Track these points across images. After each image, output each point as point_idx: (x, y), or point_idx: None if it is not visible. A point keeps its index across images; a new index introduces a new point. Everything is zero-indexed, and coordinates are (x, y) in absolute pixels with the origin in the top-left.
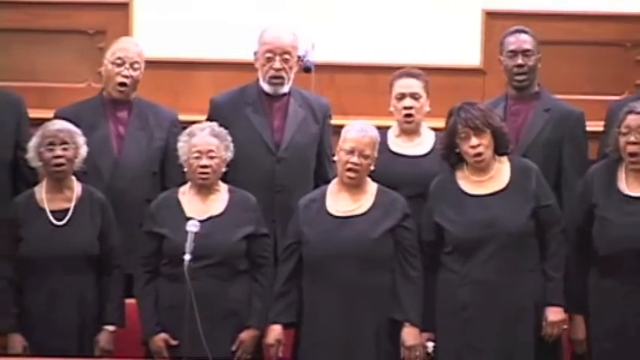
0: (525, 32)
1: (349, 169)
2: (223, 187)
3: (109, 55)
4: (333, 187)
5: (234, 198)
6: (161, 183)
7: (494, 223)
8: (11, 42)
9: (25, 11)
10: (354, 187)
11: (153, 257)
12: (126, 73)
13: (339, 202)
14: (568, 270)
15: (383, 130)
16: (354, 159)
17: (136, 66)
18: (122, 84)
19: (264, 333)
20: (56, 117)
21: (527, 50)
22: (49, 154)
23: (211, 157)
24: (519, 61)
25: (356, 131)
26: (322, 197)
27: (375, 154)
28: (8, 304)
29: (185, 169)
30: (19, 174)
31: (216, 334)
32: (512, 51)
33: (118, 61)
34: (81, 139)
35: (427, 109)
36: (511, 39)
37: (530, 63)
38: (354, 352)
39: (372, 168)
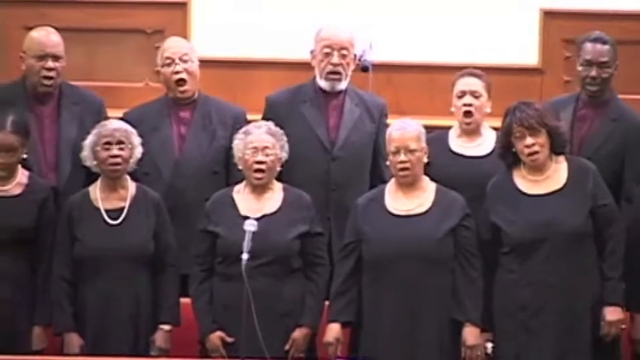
0: (605, 42)
1: (401, 169)
2: (278, 186)
3: (160, 60)
4: (391, 186)
5: (289, 197)
6: (226, 182)
7: (551, 223)
8: (70, 41)
9: (84, 11)
10: (411, 185)
11: (208, 256)
12: (179, 68)
13: (398, 201)
14: (628, 269)
15: (444, 130)
16: (402, 157)
17: (186, 57)
18: (180, 79)
19: (317, 332)
20: (122, 119)
21: (604, 62)
22: (105, 153)
23: (267, 154)
24: (593, 72)
25: (396, 130)
26: (381, 196)
27: (423, 145)
28: (64, 304)
29: (240, 167)
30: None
31: (270, 333)
32: (587, 61)
33: (168, 61)
34: (136, 140)
35: (488, 109)
36: (589, 47)
37: (605, 75)
38: (415, 351)
39: (425, 160)
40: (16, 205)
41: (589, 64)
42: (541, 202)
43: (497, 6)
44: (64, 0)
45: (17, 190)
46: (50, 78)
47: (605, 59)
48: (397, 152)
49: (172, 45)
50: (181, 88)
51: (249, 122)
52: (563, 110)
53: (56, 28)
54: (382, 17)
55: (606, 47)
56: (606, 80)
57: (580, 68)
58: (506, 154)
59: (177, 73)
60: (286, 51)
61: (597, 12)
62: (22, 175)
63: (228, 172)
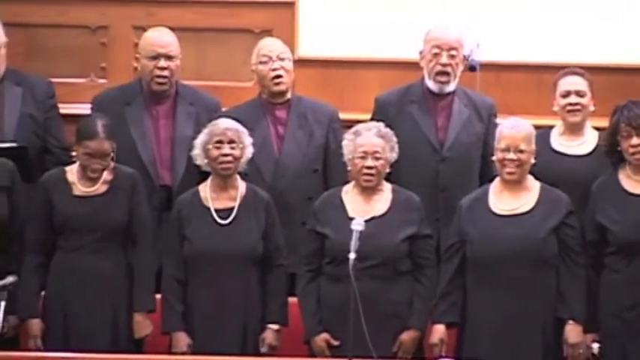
0: None
1: (507, 166)
2: (387, 187)
3: (255, 59)
4: (495, 186)
5: (398, 198)
6: (324, 181)
7: None
8: (179, 41)
9: (193, 10)
10: (516, 184)
11: (315, 256)
12: (277, 65)
13: (502, 200)
14: None
15: (547, 129)
16: (511, 155)
17: (283, 56)
18: (276, 77)
19: (424, 334)
20: None
21: None
22: (216, 152)
23: (377, 158)
24: None
25: (508, 128)
26: (485, 196)
27: (533, 147)
28: (174, 303)
29: (349, 168)
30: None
31: (377, 335)
32: None
33: (265, 59)
34: (248, 139)
35: (591, 108)
36: None
37: None
38: (520, 351)
39: (532, 161)
40: (107, 203)
41: None
42: None
43: (605, 5)
44: (172, 0)
45: (104, 188)
46: (163, 77)
47: None
48: (507, 150)
49: (269, 44)
50: (277, 87)
51: (355, 122)
52: None
53: None
54: (490, 16)
55: None
56: None
57: None
58: (612, 152)
59: (274, 70)
60: (394, 51)
61: None
62: (106, 172)
63: (326, 172)
